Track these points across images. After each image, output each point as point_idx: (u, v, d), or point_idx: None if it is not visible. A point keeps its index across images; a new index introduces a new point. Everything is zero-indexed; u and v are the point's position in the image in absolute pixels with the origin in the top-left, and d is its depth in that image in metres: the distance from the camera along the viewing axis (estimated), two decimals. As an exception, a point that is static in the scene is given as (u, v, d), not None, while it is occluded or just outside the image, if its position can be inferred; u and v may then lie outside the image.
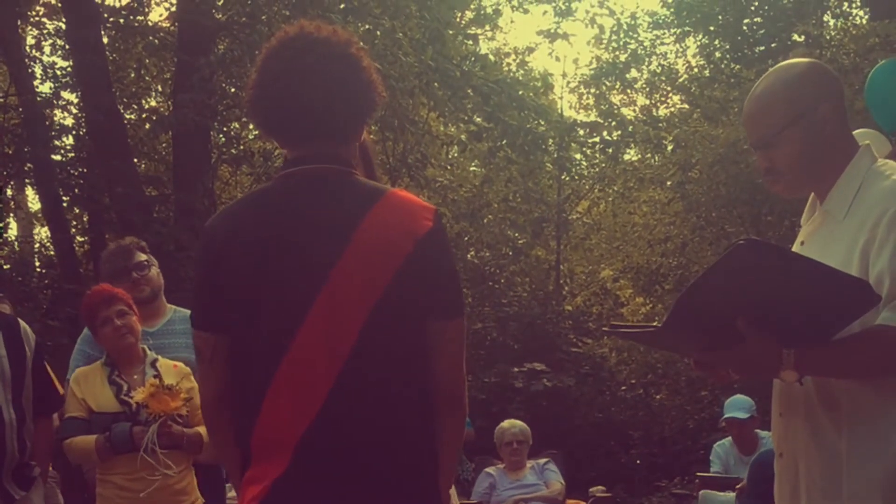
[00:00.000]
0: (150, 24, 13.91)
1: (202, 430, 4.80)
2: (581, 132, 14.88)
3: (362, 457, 2.46)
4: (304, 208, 2.54)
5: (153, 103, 14.58)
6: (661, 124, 15.77)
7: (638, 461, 11.59)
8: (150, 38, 13.63)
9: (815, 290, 2.41)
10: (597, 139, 14.81)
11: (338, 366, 2.45)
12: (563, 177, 14.63)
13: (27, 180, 14.66)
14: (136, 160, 13.03)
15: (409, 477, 2.52)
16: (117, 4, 14.25)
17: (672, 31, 18.95)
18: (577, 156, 15.56)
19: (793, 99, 2.67)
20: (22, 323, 4.92)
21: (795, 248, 2.77)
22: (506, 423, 8.09)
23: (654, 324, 2.71)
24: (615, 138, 14.99)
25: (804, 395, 2.60)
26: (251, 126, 12.97)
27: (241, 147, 12.83)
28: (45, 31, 14.98)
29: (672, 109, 17.55)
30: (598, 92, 18.36)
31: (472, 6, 14.69)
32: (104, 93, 11.72)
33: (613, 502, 8.65)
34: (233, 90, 11.87)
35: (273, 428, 2.47)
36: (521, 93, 12.31)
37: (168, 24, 13.86)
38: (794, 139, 2.65)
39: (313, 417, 2.44)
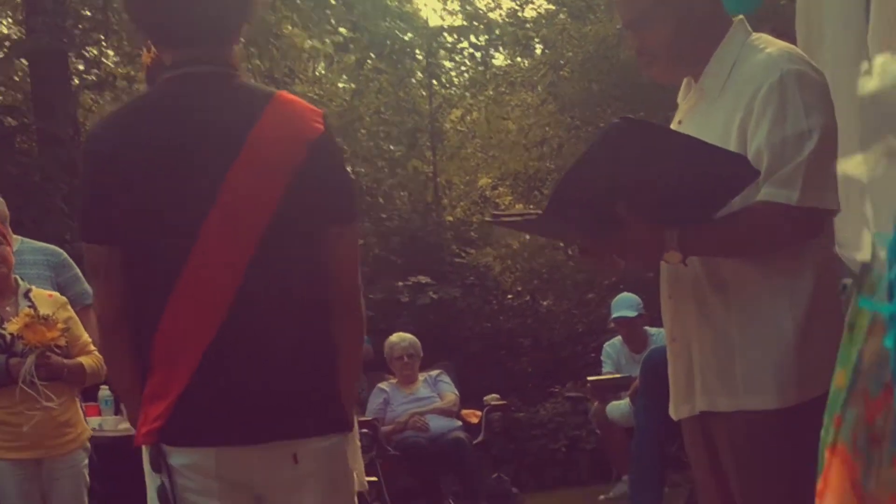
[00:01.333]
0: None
1: (84, 359, 4.69)
2: (448, 38, 14.70)
3: (267, 367, 2.44)
4: (194, 112, 2.47)
5: (3, 30, 13.85)
6: (527, 25, 15.66)
7: (530, 369, 11.66)
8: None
9: (694, 167, 2.38)
10: (465, 44, 14.66)
11: (238, 275, 2.41)
12: (433, 84, 14.43)
13: None
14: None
15: (313, 386, 2.51)
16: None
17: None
18: (447, 63, 15.33)
19: None
20: None
21: (672, 126, 2.70)
22: (394, 338, 8.00)
23: (536, 211, 2.68)
24: (483, 43, 14.86)
25: (692, 277, 2.57)
26: (111, 51, 12.52)
27: (103, 72, 12.28)
28: None
29: (539, 10, 17.37)
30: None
31: None
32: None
33: (508, 409, 8.65)
34: (88, 13, 11.34)
35: (176, 337, 2.42)
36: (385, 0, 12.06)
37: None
38: (665, 18, 2.60)
39: (214, 329, 2.40)
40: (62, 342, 4.56)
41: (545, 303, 12.40)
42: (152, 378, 2.44)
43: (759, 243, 2.47)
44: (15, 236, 5.09)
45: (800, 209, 2.38)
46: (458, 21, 16.42)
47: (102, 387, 6.24)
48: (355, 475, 2.75)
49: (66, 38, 10.80)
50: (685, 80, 2.75)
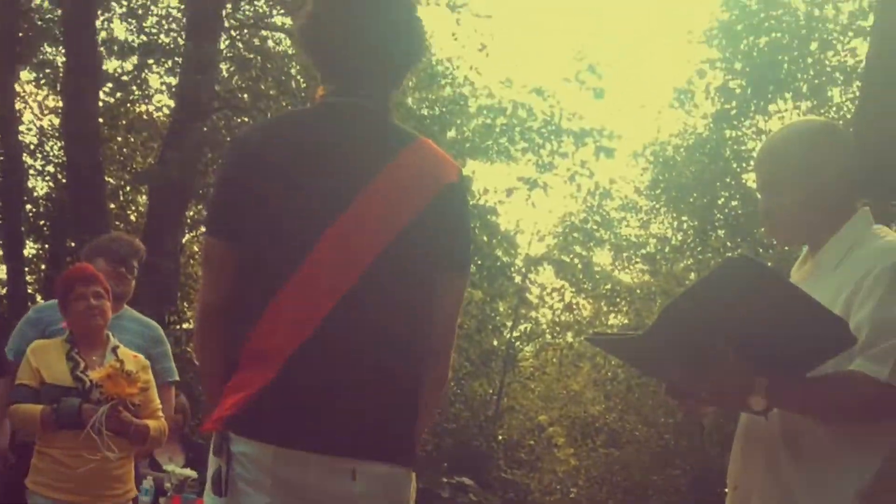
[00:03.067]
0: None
1: (151, 423, 4.84)
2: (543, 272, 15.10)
3: (348, 385, 2.47)
4: (339, 135, 2.55)
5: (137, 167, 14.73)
6: (617, 287, 16.06)
7: None
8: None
9: (797, 320, 2.40)
10: (557, 283, 15.03)
11: (342, 290, 2.46)
12: (520, 311, 14.79)
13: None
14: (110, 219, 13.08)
15: (390, 414, 2.52)
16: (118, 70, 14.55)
17: (639, 215, 19.38)
18: (533, 294, 15.72)
19: (804, 153, 2.71)
20: None
21: None
22: (430, 513, 8.06)
23: (637, 332, 2.66)
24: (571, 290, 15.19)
25: (767, 430, 2.60)
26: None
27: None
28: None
29: (634, 279, 17.82)
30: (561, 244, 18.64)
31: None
32: (90, 143, 11.83)
33: None
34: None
35: (268, 339, 2.47)
36: (494, 219, 12.53)
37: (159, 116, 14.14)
38: (798, 188, 2.70)
39: (308, 335, 2.45)
40: (137, 400, 4.74)
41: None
42: (239, 374, 2.50)
43: (844, 409, 2.49)
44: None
45: (889, 387, 2.40)
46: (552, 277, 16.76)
47: (147, 479, 6.41)
48: None
49: (193, 174, 11.36)
50: (803, 253, 2.87)
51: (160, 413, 4.95)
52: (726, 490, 2.87)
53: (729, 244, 14.65)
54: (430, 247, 2.55)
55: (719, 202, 16.88)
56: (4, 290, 14.07)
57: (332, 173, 2.51)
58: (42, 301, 10.58)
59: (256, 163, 2.52)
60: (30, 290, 14.06)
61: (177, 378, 5.65)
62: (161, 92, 14.73)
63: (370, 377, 2.49)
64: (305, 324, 2.45)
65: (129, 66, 14.48)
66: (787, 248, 2.99)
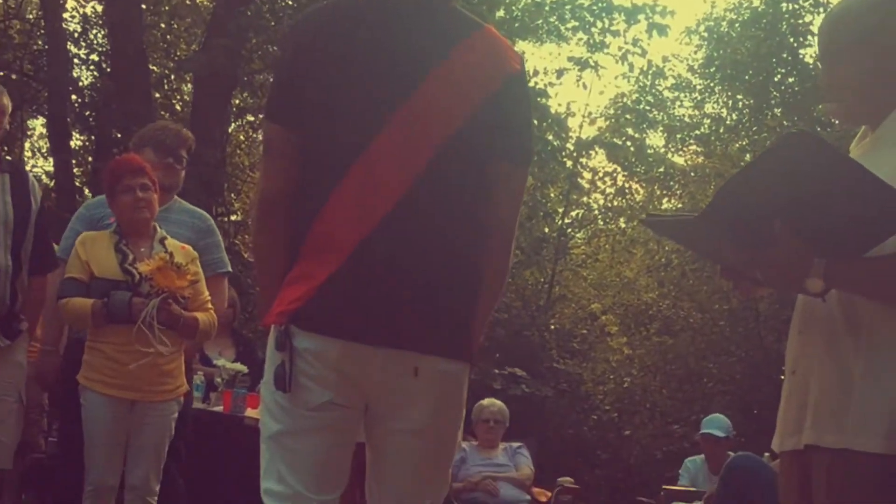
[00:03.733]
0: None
1: (201, 316, 4.78)
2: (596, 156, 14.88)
3: (412, 277, 2.46)
4: (402, 19, 2.51)
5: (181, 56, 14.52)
6: (671, 170, 15.82)
7: (602, 482, 11.54)
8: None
9: (857, 197, 2.36)
10: (610, 167, 14.81)
11: (407, 180, 2.45)
12: (572, 196, 14.59)
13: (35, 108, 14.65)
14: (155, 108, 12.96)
15: (452, 308, 2.52)
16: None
17: (693, 95, 19.06)
18: (585, 179, 15.47)
19: (866, 17, 2.60)
20: (31, 176, 4.82)
21: None
22: (486, 401, 8.01)
23: (693, 213, 2.64)
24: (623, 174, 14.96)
25: (826, 313, 2.53)
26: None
27: (264, 100, 12.67)
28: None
29: (687, 161, 17.53)
30: (613, 127, 18.34)
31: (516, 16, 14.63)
32: (133, 29, 11.62)
33: (579, 495, 8.53)
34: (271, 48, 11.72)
35: (332, 229, 2.45)
36: (544, 101, 12.26)
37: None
38: (862, 58, 2.59)
39: (373, 226, 2.43)
40: (187, 293, 4.67)
41: (629, 427, 12.30)
42: (299, 264, 2.49)
43: None
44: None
45: None
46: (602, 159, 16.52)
47: (198, 373, 6.37)
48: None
49: (239, 62, 11.17)
50: (862, 129, 2.76)
51: (209, 305, 4.91)
52: (783, 377, 2.81)
53: (785, 123, 14.34)
54: (493, 138, 2.52)
55: (775, 79, 16.55)
56: (52, 183, 14.05)
57: (394, 60, 2.47)
58: (89, 193, 10.55)
59: (316, 48, 2.49)
60: (77, 183, 14.05)
61: (228, 269, 5.56)
62: (204, -24, 14.47)
63: (432, 271, 2.48)
64: (370, 214, 2.43)
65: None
66: (846, 125, 2.81)
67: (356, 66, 2.47)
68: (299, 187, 2.52)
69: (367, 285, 2.44)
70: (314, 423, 2.48)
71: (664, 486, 7.80)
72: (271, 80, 2.77)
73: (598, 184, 16.05)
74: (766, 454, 6.26)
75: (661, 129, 18.89)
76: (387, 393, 2.50)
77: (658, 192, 15.98)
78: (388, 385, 2.48)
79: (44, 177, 15.75)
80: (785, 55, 16.23)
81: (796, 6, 16.46)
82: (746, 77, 16.67)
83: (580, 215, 16.10)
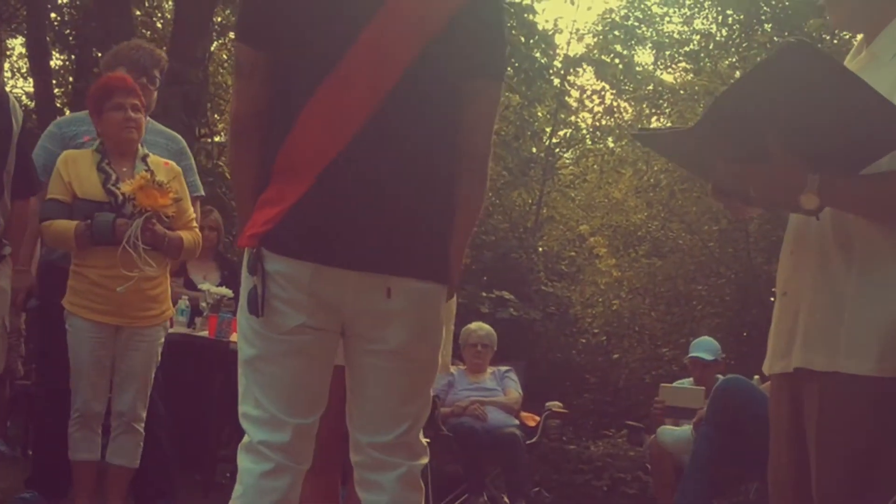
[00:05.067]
0: None
1: (185, 234, 4.74)
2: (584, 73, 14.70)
3: (383, 198, 2.45)
4: None
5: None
6: (660, 88, 15.67)
7: (591, 406, 11.62)
8: None
9: (853, 110, 2.30)
10: (598, 85, 14.63)
11: (377, 97, 2.42)
12: (560, 115, 14.44)
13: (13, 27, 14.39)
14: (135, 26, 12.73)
15: (424, 229, 2.51)
16: None
17: (682, 10, 18.83)
18: (572, 97, 15.28)
19: None
20: (11, 97, 4.73)
21: None
22: (473, 325, 8.01)
23: (686, 126, 2.61)
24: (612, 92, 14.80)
25: (818, 233, 2.50)
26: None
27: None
28: None
29: (676, 78, 17.34)
30: (601, 44, 18.12)
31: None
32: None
33: (569, 419, 8.59)
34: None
35: (302, 149, 2.44)
36: (531, 18, 12.06)
37: None
38: None
39: (343, 145, 2.41)
40: (171, 212, 4.62)
41: (617, 350, 12.33)
42: (271, 186, 2.48)
43: None
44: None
45: None
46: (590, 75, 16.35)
47: (182, 298, 6.34)
48: (440, 356, 2.70)
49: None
50: (857, 42, 2.71)
51: (194, 224, 4.89)
52: (773, 299, 2.78)
53: (776, 39, 14.12)
54: (465, 52, 2.49)
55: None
56: (33, 104, 13.89)
57: None
58: (69, 114, 10.40)
59: None
60: (58, 104, 13.89)
61: (202, 193, 5.57)
62: None
63: (404, 191, 2.47)
64: (339, 134, 2.42)
65: None
66: (844, 31, 2.76)
67: None
68: (271, 108, 2.51)
69: (336, 207, 2.43)
70: (288, 347, 2.48)
71: (662, 385, 7.75)
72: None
73: (587, 102, 15.86)
74: (756, 377, 6.25)
75: (649, 46, 18.72)
76: (361, 315, 2.49)
77: (647, 111, 15.79)
78: (362, 307, 2.47)
79: (24, 98, 15.53)
80: (776, -33, 16.00)
81: (789, -85, 16.18)
82: (736, -9, 16.45)
83: (568, 135, 15.95)
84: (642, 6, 18.59)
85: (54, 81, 14.19)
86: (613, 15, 18.26)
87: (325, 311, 2.47)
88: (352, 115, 2.41)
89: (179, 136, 5.57)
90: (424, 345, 2.57)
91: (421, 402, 2.64)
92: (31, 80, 14.84)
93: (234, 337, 6.06)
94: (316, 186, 2.41)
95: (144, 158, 4.72)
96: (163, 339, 4.81)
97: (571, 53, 15.00)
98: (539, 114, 14.43)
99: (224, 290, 6.41)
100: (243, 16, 2.62)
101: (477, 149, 2.58)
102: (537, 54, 12.33)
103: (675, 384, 7.68)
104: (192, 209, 4.86)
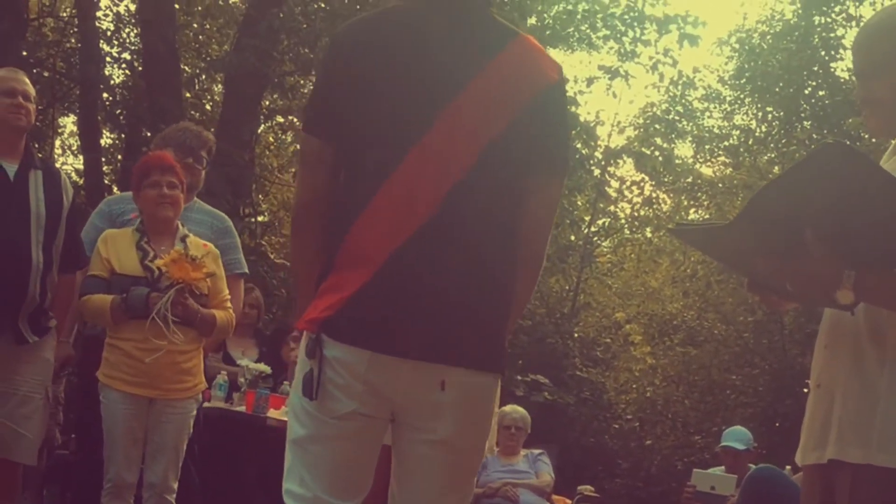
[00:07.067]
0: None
1: (219, 313, 4.78)
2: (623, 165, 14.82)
3: (444, 289, 2.45)
4: (440, 30, 2.52)
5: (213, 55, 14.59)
6: (698, 181, 15.76)
7: (623, 491, 11.50)
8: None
9: (889, 209, 2.31)
10: (637, 176, 14.74)
11: (442, 192, 2.44)
12: (599, 204, 14.56)
13: (66, 106, 14.73)
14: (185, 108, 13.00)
15: (482, 320, 2.51)
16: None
17: (722, 106, 18.99)
18: (612, 188, 15.40)
19: None
20: (63, 174, 4.84)
21: None
22: (507, 408, 7.99)
23: (723, 222, 2.60)
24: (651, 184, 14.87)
25: (853, 327, 2.51)
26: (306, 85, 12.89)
27: (294, 102, 12.67)
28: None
29: (716, 172, 17.44)
30: (641, 136, 18.29)
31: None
32: (166, 28, 11.67)
33: (600, 503, 8.50)
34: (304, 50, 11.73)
35: (365, 240, 2.45)
36: (573, 110, 12.21)
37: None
38: (892, 74, 2.58)
39: (406, 238, 2.43)
40: (204, 287, 4.67)
41: (650, 438, 12.26)
42: (333, 274, 2.50)
43: None
44: (195, 199, 5.36)
45: None
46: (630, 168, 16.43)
47: (221, 373, 6.39)
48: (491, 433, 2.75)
49: (270, 63, 11.16)
50: (893, 145, 2.74)
51: (228, 304, 4.92)
52: (806, 390, 2.79)
53: (815, 136, 14.24)
54: (530, 149, 2.52)
55: (806, 92, 16.43)
56: (82, 181, 14.13)
57: (431, 73, 2.48)
58: (118, 191, 10.60)
59: (350, 64, 2.50)
60: (106, 181, 14.13)
61: (245, 270, 5.61)
62: (237, -23, 14.55)
63: (462, 285, 2.47)
64: (403, 227, 2.44)
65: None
66: (879, 139, 2.80)
67: (394, 80, 2.48)
68: (334, 198, 2.55)
69: (396, 297, 2.44)
70: (338, 431, 2.49)
71: (695, 470, 7.67)
72: (300, 82, 2.76)
73: (626, 193, 16.04)
74: (788, 467, 6.20)
75: (689, 139, 18.84)
76: (413, 404, 2.50)
77: (685, 203, 15.90)
78: (415, 397, 2.48)
79: (74, 175, 15.79)
80: (816, 68, 16.14)
81: (828, 20, 16.37)
82: (777, 89, 16.58)
83: (607, 224, 16.07)
84: (683, 101, 18.77)
85: (104, 159, 14.45)
86: (655, 109, 18.42)
87: (378, 399, 2.48)
88: (415, 210, 2.43)
89: (225, 216, 5.62)
90: (474, 435, 2.57)
91: (465, 490, 2.65)
92: (81, 157, 15.11)
93: (271, 412, 6.10)
94: (376, 277, 2.42)
95: (184, 239, 4.79)
96: (195, 412, 4.83)
97: (612, 145, 15.18)
98: (579, 202, 14.54)
99: (262, 367, 6.46)
100: (310, 107, 2.69)
101: (535, 242, 2.61)
102: (579, 145, 12.47)
103: (708, 471, 7.60)
104: (226, 290, 4.90)
